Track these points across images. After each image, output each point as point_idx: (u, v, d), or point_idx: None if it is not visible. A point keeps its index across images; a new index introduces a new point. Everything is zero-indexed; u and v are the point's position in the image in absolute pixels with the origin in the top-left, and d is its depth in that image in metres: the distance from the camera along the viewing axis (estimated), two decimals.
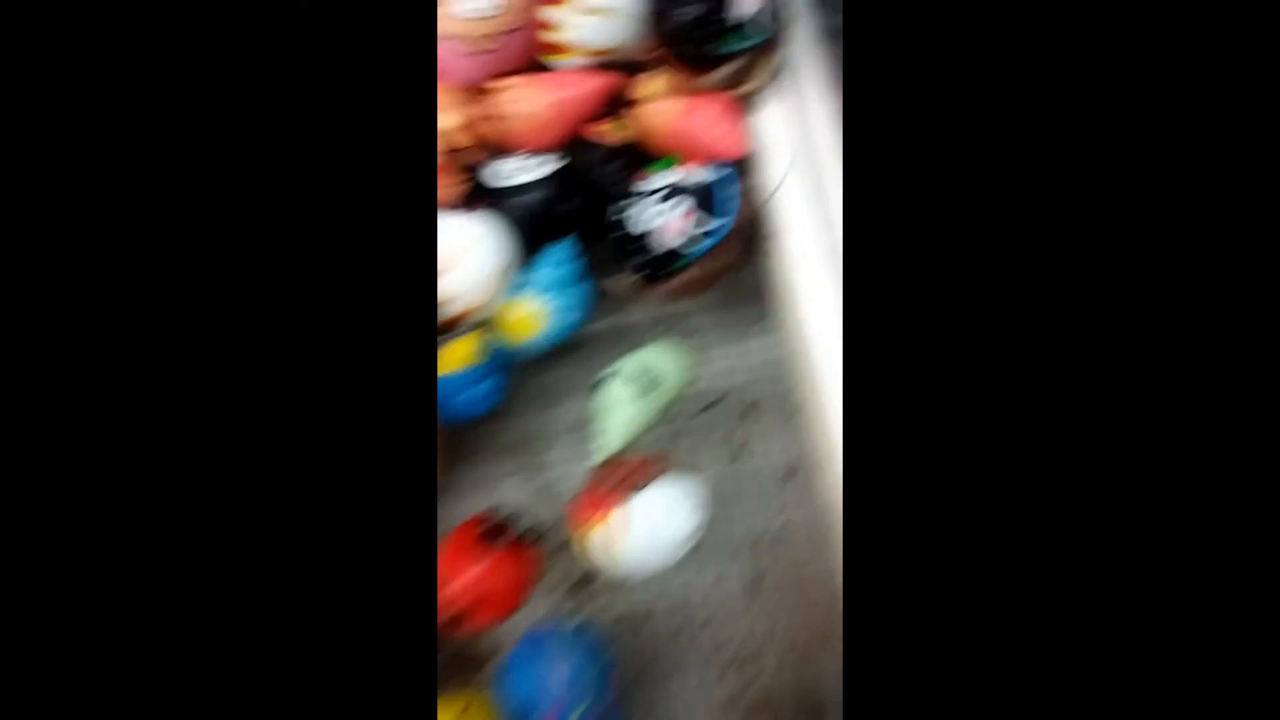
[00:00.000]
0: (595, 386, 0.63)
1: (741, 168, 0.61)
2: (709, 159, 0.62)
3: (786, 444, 0.65)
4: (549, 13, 0.59)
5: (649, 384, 0.60)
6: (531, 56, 0.62)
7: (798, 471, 0.64)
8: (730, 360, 0.68)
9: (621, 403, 0.60)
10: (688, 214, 0.58)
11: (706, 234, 0.58)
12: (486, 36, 0.57)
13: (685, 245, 0.58)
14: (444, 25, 0.56)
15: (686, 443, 0.65)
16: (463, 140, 0.61)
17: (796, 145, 0.61)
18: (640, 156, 0.67)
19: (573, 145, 0.64)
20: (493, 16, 0.57)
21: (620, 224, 0.61)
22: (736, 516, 0.62)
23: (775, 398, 0.67)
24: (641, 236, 0.59)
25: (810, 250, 0.59)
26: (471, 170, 0.63)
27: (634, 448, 0.63)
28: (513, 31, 0.58)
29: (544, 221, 0.61)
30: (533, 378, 0.67)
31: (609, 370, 0.63)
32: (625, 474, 0.56)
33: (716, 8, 0.56)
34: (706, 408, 0.68)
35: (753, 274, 0.66)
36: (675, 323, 0.69)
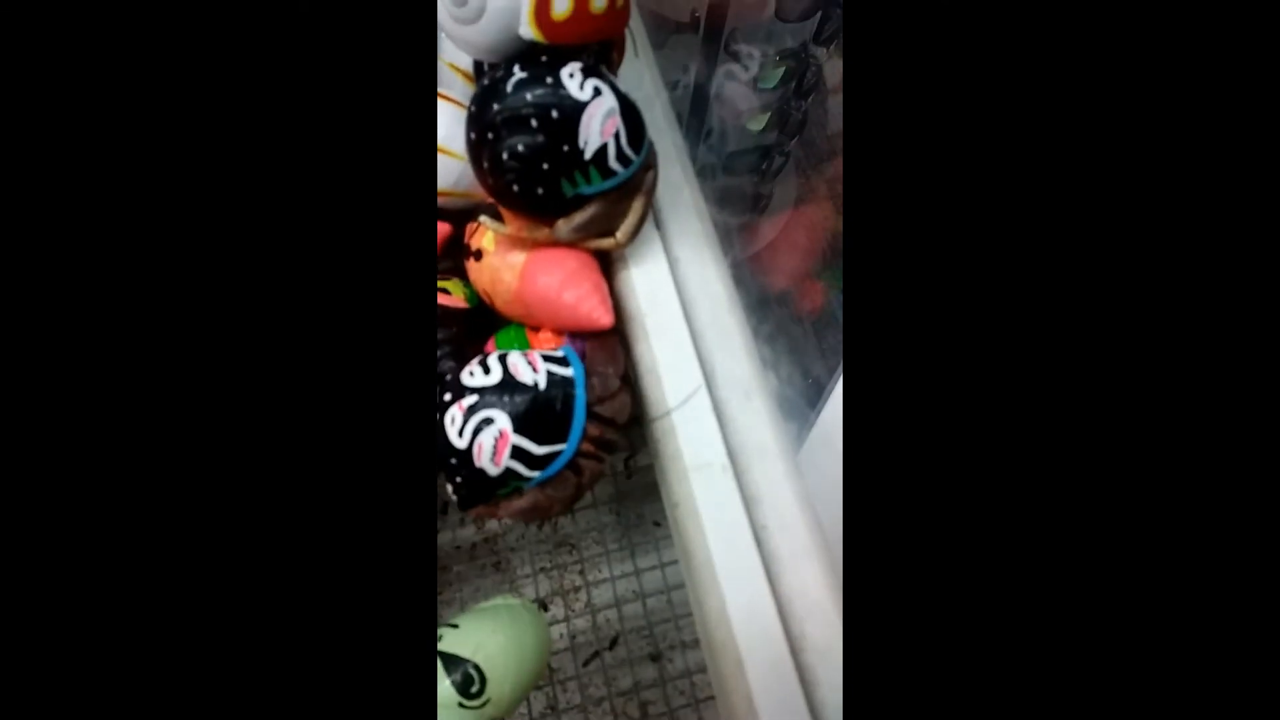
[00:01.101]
0: None
1: (600, 351, 0.45)
2: (563, 331, 0.46)
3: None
4: None
5: (480, 684, 0.39)
6: None
7: None
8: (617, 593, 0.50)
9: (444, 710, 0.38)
10: (501, 438, 0.39)
11: (535, 462, 0.40)
12: None
13: (505, 476, 0.40)
14: None
15: None
16: None
17: (674, 323, 0.45)
18: (482, 323, 0.51)
19: None
20: None
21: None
22: None
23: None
24: (458, 449, 0.40)
25: (709, 458, 0.42)
26: None
27: None
28: None
29: None
30: None
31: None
32: None
33: (556, 138, 0.41)
34: (588, 662, 0.49)
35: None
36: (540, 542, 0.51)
